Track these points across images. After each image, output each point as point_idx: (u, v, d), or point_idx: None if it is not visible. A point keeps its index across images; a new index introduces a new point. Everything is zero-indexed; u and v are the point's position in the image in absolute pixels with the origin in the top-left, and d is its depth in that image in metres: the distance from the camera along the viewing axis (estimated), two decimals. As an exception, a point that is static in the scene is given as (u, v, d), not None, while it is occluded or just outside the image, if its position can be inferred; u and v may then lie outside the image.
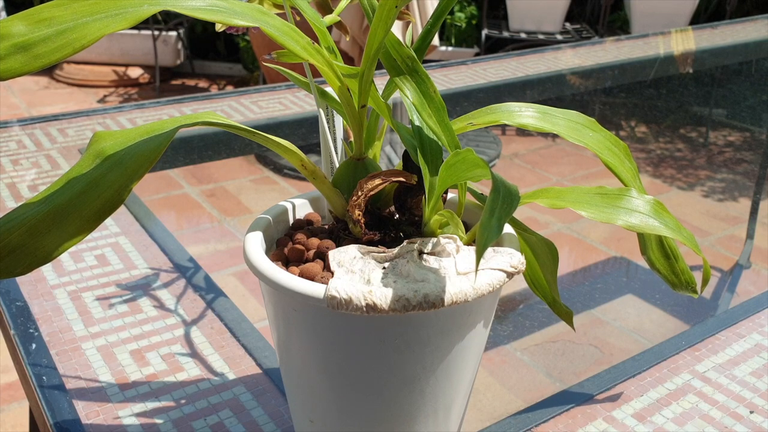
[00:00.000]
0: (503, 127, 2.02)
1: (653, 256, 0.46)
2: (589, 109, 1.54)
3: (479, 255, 0.27)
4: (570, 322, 0.48)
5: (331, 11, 0.48)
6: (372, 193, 0.38)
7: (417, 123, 0.38)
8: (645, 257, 0.46)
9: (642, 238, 0.45)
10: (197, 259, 0.68)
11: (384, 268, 0.36)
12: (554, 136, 0.46)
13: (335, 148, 0.46)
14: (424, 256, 0.36)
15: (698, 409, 0.49)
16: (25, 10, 0.30)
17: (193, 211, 1.72)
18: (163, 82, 3.65)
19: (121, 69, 3.64)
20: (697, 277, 0.46)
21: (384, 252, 0.37)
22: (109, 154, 0.32)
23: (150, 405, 0.49)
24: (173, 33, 3.66)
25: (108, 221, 0.74)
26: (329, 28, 0.44)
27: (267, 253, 0.40)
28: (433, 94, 0.38)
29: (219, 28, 0.46)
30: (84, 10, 0.30)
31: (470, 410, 0.44)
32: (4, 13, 3.60)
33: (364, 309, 0.33)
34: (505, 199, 0.29)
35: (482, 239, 0.27)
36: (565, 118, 0.42)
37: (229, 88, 3.61)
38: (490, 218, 0.28)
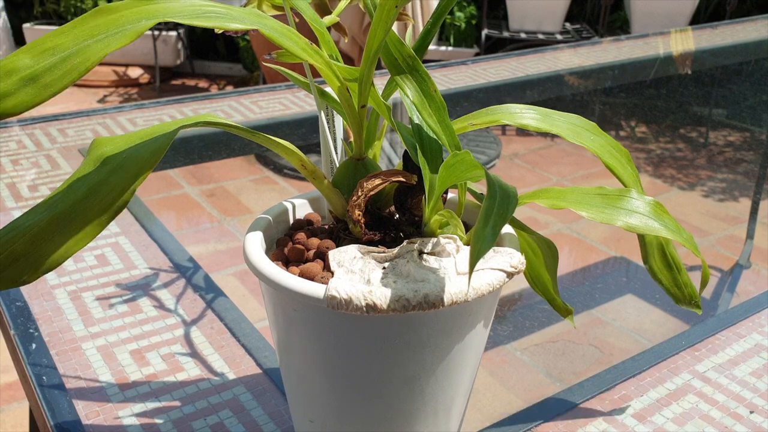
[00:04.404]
0: (503, 127, 2.02)
1: (656, 266, 0.45)
2: (589, 110, 1.54)
3: (472, 265, 0.27)
4: (570, 319, 0.48)
5: (329, 13, 0.48)
6: (372, 193, 0.38)
7: (417, 121, 0.38)
8: (647, 266, 0.45)
9: (644, 246, 0.45)
10: (197, 259, 0.68)
11: (384, 268, 0.36)
12: (554, 135, 0.46)
13: (335, 148, 0.46)
14: (424, 256, 0.36)
15: (698, 409, 0.49)
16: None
17: (193, 211, 1.72)
18: (163, 82, 3.65)
19: (121, 69, 3.64)
20: (696, 278, 0.46)
21: (384, 252, 0.37)
22: (109, 159, 0.32)
23: (150, 405, 0.49)
24: (173, 33, 3.66)
25: (108, 221, 0.74)
26: (328, 29, 0.44)
27: (267, 253, 0.40)
28: (433, 93, 0.38)
29: (218, 29, 0.45)
30: (85, 33, 0.30)
31: (470, 410, 0.44)
32: (4, 13, 3.60)
33: (364, 309, 0.33)
34: (501, 205, 0.29)
35: (476, 248, 0.27)
36: (567, 122, 0.42)
37: (229, 88, 3.61)
38: (484, 227, 0.28)
